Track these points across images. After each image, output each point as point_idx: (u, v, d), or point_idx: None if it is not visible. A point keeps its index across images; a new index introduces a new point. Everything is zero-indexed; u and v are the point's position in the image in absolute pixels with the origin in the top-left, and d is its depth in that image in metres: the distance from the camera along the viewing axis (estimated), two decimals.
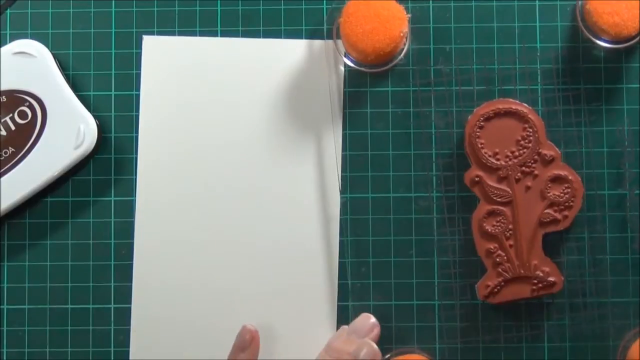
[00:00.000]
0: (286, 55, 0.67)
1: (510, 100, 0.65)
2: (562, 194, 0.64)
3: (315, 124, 0.67)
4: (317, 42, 0.67)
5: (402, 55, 0.66)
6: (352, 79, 0.67)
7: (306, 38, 0.67)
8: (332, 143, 0.67)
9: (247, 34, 0.68)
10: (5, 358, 0.66)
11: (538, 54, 0.66)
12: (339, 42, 0.66)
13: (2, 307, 0.67)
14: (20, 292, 0.67)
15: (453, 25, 0.67)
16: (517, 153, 0.64)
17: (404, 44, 0.66)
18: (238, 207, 0.67)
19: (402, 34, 0.64)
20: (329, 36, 0.67)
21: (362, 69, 0.66)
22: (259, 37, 0.68)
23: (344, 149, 0.67)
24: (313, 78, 0.67)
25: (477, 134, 0.64)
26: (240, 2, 0.68)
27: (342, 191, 0.66)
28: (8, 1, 0.67)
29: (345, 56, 0.66)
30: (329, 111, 0.67)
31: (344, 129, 0.67)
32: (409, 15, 0.65)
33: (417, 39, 0.67)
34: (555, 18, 0.67)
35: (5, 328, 0.67)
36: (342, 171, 0.66)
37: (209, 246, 0.66)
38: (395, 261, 0.66)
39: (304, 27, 0.67)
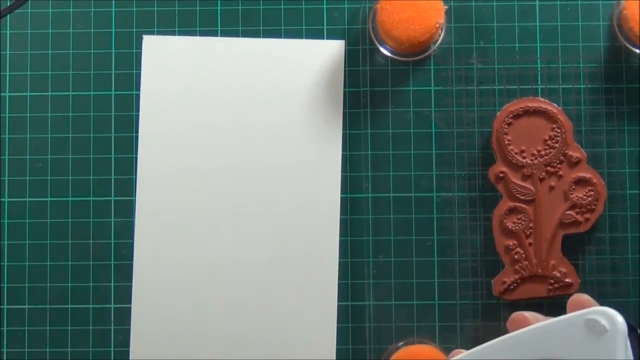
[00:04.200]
0: (286, 55, 0.67)
1: (540, 99, 0.65)
2: (585, 197, 0.64)
3: (317, 124, 0.67)
4: (318, 42, 0.67)
5: (436, 46, 0.67)
6: (378, 75, 0.67)
7: (306, 38, 0.67)
8: (334, 145, 0.67)
9: (247, 34, 0.68)
10: (5, 358, 0.66)
11: (560, 55, 0.66)
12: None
13: (2, 307, 0.67)
14: (20, 292, 0.67)
15: (475, 23, 0.67)
16: (543, 152, 0.64)
17: (439, 35, 0.66)
18: (238, 207, 0.66)
19: (437, 25, 0.64)
20: (365, 23, 0.67)
21: (396, 57, 0.67)
22: (259, 37, 0.68)
23: (365, 148, 0.67)
24: (314, 78, 0.67)
25: (505, 130, 0.64)
26: (240, 2, 0.68)
27: (365, 190, 0.66)
28: (15, 3, 0.67)
29: (380, 44, 0.67)
30: (330, 111, 0.67)
31: (358, 128, 0.67)
32: (446, 7, 0.65)
33: (451, 32, 0.67)
34: (589, 18, 0.67)
35: (5, 328, 0.67)
36: (355, 171, 0.67)
37: (209, 246, 0.66)
38: (416, 260, 0.66)
39: (304, 27, 0.67)
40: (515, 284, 0.64)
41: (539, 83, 0.66)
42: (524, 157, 0.64)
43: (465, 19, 0.67)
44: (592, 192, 0.64)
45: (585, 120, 0.66)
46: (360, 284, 0.66)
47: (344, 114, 0.67)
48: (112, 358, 0.66)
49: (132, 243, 0.67)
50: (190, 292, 0.66)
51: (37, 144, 0.67)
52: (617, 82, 0.66)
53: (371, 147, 0.67)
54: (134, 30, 0.68)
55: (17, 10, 0.68)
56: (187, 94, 0.67)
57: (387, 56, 0.67)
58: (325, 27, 0.67)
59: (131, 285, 0.66)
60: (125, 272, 0.67)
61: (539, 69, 0.67)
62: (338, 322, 0.66)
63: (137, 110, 0.67)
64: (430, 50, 0.67)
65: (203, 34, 0.68)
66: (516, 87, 0.66)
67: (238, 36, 0.68)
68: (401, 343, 0.65)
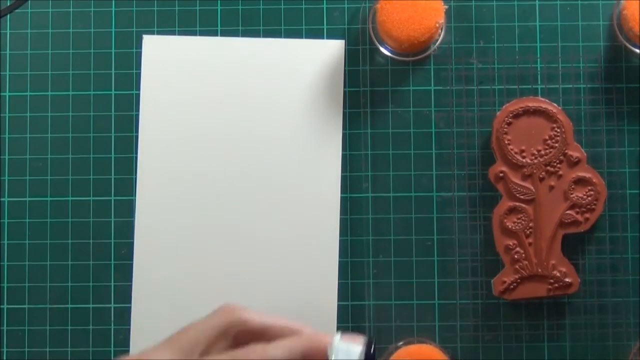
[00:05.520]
0: (286, 54, 0.67)
1: (540, 99, 0.65)
2: (585, 196, 0.64)
3: (317, 124, 0.67)
4: (318, 42, 0.67)
5: (436, 45, 0.67)
6: (378, 75, 0.67)
7: (306, 38, 0.67)
8: (334, 145, 0.67)
9: (247, 34, 0.68)
10: (5, 358, 0.66)
11: (560, 55, 0.66)
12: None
13: (2, 307, 0.67)
14: (20, 292, 0.67)
15: (475, 23, 0.67)
16: (543, 152, 0.64)
17: (439, 35, 0.66)
18: (238, 207, 0.66)
19: (437, 25, 0.64)
20: (365, 23, 0.67)
21: (396, 57, 0.67)
22: (259, 37, 0.68)
23: (365, 148, 0.67)
24: (314, 78, 0.67)
25: (505, 130, 0.64)
26: (240, 2, 0.68)
27: (365, 190, 0.66)
28: (15, 3, 0.67)
29: (380, 44, 0.67)
30: (330, 111, 0.67)
31: (358, 128, 0.67)
32: (446, 7, 0.65)
33: (451, 32, 0.67)
34: (589, 18, 0.67)
35: (5, 328, 0.67)
36: (352, 171, 0.67)
37: (209, 246, 0.66)
38: (416, 260, 0.66)
39: (303, 27, 0.67)
40: (515, 284, 0.64)
41: (539, 83, 0.66)
42: (524, 157, 0.64)
43: (465, 19, 0.67)
44: (592, 192, 0.64)
45: (585, 120, 0.66)
46: (360, 284, 0.66)
47: (344, 114, 0.67)
48: (112, 358, 0.66)
49: (132, 243, 0.67)
50: (190, 292, 0.66)
51: (37, 144, 0.67)
52: (617, 82, 0.66)
53: (371, 147, 0.67)
54: (134, 30, 0.68)
55: (17, 10, 0.68)
56: (187, 94, 0.67)
57: (387, 56, 0.67)
58: (325, 27, 0.67)
59: (131, 285, 0.66)
60: (125, 272, 0.67)
61: (539, 69, 0.67)
62: (338, 322, 0.66)
63: (137, 110, 0.67)
64: (430, 50, 0.67)
65: (203, 34, 0.68)
66: (516, 87, 0.66)
67: (238, 36, 0.68)
68: (401, 343, 0.65)
